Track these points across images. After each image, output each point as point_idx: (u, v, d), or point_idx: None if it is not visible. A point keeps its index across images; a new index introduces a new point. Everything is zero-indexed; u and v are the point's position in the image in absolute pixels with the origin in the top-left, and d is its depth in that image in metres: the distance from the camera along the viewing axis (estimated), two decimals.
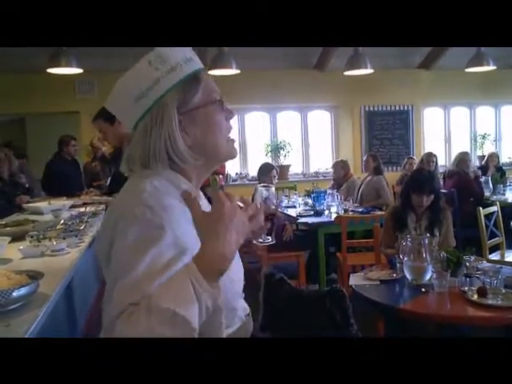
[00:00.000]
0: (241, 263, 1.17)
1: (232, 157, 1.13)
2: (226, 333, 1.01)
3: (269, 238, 1.20)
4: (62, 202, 4.19)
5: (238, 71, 5.74)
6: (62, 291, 2.07)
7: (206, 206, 1.09)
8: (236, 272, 1.09)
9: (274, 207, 1.19)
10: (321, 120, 8.18)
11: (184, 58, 1.05)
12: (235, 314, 1.09)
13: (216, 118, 1.06)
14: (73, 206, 4.11)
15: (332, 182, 6.27)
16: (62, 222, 3.28)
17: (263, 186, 1.23)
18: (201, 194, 1.18)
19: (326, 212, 4.78)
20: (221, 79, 6.57)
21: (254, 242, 1.20)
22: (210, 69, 6.00)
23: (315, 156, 8.17)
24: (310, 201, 5.33)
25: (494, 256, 4.09)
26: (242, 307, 1.14)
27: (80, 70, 5.41)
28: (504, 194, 5.73)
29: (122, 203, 1.00)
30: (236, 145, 1.13)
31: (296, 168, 7.97)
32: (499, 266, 2.68)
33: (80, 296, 3.49)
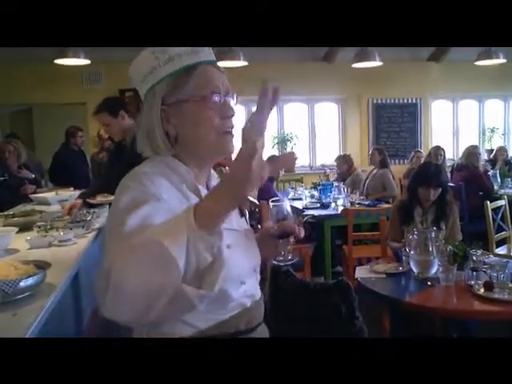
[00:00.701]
0: (253, 254, 1.19)
1: (225, 152, 1.11)
2: (219, 317, 1.06)
3: (290, 256, 1.22)
4: (69, 193, 4.21)
5: (246, 63, 5.72)
6: (68, 282, 2.09)
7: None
8: (239, 259, 1.09)
9: (291, 223, 1.18)
10: (328, 112, 8.15)
11: (187, 51, 1.06)
12: (229, 300, 1.08)
13: (202, 113, 1.06)
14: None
15: (336, 175, 6.26)
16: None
17: (273, 202, 1.23)
18: (212, 172, 1.21)
19: (333, 205, 4.77)
20: (228, 71, 6.55)
21: (274, 261, 1.24)
22: (218, 60, 5.99)
23: (322, 148, 8.14)
24: (316, 193, 5.32)
25: (501, 250, 4.07)
26: (244, 294, 1.13)
27: (87, 61, 5.41)
28: (511, 188, 5.70)
29: (122, 180, 1.05)
30: (234, 140, 1.11)
31: (303, 160, 7.95)
32: (506, 260, 2.66)
33: (86, 286, 3.51)
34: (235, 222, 1.15)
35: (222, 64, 5.96)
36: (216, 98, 1.07)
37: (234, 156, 0.91)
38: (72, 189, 4.60)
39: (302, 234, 1.18)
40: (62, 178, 5.46)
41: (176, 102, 1.06)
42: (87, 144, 6.62)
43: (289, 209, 1.23)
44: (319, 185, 5.32)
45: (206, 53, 1.10)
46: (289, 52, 6.98)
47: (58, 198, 4.00)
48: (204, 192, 1.10)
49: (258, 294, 1.20)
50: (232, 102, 1.11)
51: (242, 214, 1.23)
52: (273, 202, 1.24)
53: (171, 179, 1.06)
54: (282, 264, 1.25)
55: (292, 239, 1.19)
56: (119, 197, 0.98)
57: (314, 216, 4.48)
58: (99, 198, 3.09)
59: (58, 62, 5.24)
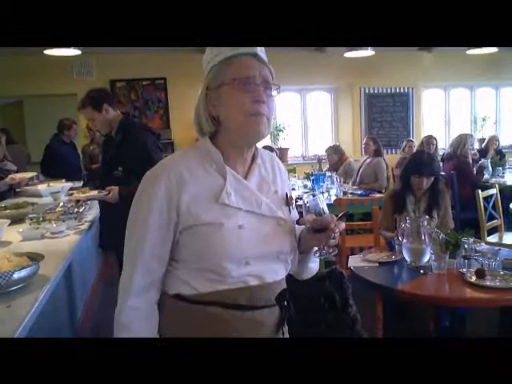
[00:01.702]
0: (274, 240, 1.23)
1: (252, 135, 1.20)
2: (218, 286, 1.16)
3: (330, 250, 1.26)
4: (61, 185, 4.19)
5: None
6: (61, 273, 2.08)
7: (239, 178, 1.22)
8: (248, 240, 1.17)
9: (327, 217, 1.22)
10: (320, 102, 8.14)
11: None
12: (228, 276, 1.16)
13: (234, 95, 1.17)
14: (72, 189, 4.10)
15: (330, 165, 6.26)
16: (62, 204, 3.28)
17: (309, 197, 1.27)
18: (259, 162, 1.30)
19: (326, 194, 4.78)
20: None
21: (315, 255, 1.29)
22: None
23: (315, 138, 8.14)
24: (309, 183, 5.33)
25: (493, 238, 4.10)
26: (248, 273, 1.19)
27: (78, 52, 5.36)
28: (503, 177, 5.73)
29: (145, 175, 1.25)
30: (265, 124, 1.19)
31: (295, 151, 7.95)
32: (497, 248, 2.69)
33: (80, 278, 3.51)
34: (265, 206, 1.23)
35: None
36: (248, 83, 1.17)
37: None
38: (64, 180, 4.58)
39: (341, 227, 1.23)
40: (54, 169, 5.43)
41: (216, 86, 1.20)
42: (78, 136, 6.57)
43: (324, 203, 1.26)
44: (312, 175, 5.33)
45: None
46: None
47: (50, 190, 3.99)
48: (234, 177, 1.21)
49: (271, 277, 1.23)
50: (267, 91, 1.19)
51: (287, 203, 1.30)
52: (308, 197, 1.27)
53: (201, 161, 1.22)
54: (320, 257, 1.29)
55: (330, 233, 1.21)
56: (135, 203, 1.22)
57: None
58: (76, 195, 3.06)
59: (48, 52, 5.19)
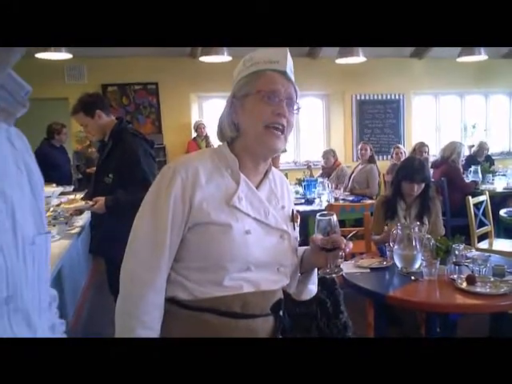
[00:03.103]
0: (276, 252, 1.26)
1: (268, 146, 1.25)
2: (214, 292, 1.18)
3: (336, 269, 1.28)
4: (52, 189, 4.16)
5: (230, 58, 5.70)
6: (51, 279, 2.06)
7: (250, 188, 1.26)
8: (252, 247, 1.20)
9: (338, 237, 1.25)
10: (312, 108, 8.17)
11: (265, 59, 1.27)
12: (225, 276, 1.18)
13: (256, 105, 1.23)
14: (62, 194, 4.08)
15: (321, 171, 6.28)
16: (52, 209, 3.25)
17: (322, 215, 1.29)
18: (270, 177, 1.34)
19: (317, 200, 4.79)
20: (212, 66, 6.54)
21: (320, 273, 1.32)
22: (202, 55, 5.96)
23: (306, 144, 8.16)
24: (300, 189, 5.33)
25: (483, 244, 4.13)
26: (246, 279, 1.21)
27: (69, 56, 5.34)
28: (493, 183, 5.78)
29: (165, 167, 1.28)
30: (281, 139, 1.24)
31: (287, 156, 7.96)
32: (488, 254, 2.70)
33: (70, 284, 3.48)
34: (272, 217, 1.26)
35: (206, 59, 5.94)
36: (272, 96, 1.23)
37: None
38: (54, 185, 4.54)
39: (350, 248, 1.26)
40: (44, 174, 5.35)
41: (242, 95, 1.27)
42: (69, 140, 6.54)
43: (336, 222, 1.28)
44: (303, 181, 5.34)
45: (281, 64, 1.27)
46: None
47: None
48: (246, 184, 1.25)
49: (267, 286, 1.24)
50: (289, 107, 1.25)
51: (292, 219, 1.34)
52: (321, 215, 1.30)
53: (218, 164, 1.26)
54: (327, 276, 1.31)
55: (340, 252, 1.24)
56: (150, 191, 1.25)
57: (298, 212, 4.49)
58: (63, 206, 3.05)
59: (40, 56, 5.16)
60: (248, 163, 1.28)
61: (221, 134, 1.33)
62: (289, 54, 1.28)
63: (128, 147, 2.73)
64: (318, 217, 1.30)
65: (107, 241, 2.68)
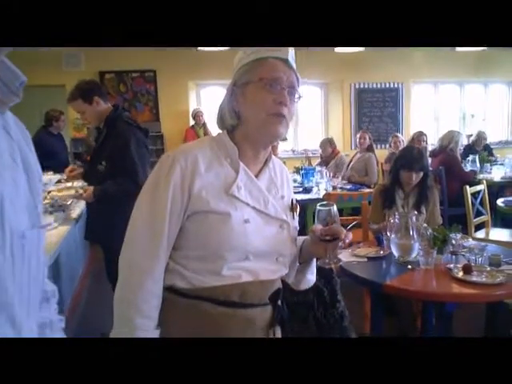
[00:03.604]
0: (274, 242, 1.26)
1: (271, 134, 1.24)
2: (212, 282, 1.18)
3: (335, 259, 1.29)
4: (49, 177, 4.15)
5: (228, 48, 5.67)
6: (48, 267, 2.06)
7: (250, 176, 1.25)
8: (251, 236, 1.20)
9: (338, 227, 1.25)
10: (311, 97, 8.14)
11: (267, 48, 1.24)
12: (224, 264, 1.18)
13: (258, 93, 1.22)
14: (59, 181, 4.07)
15: (319, 159, 6.27)
16: (49, 196, 3.25)
17: (322, 206, 1.29)
18: (270, 166, 1.33)
19: (315, 189, 4.79)
20: (210, 54, 6.49)
21: (319, 263, 1.33)
22: (201, 45, 5.93)
23: (305, 133, 8.14)
24: (298, 178, 5.33)
25: (480, 234, 4.14)
26: (244, 268, 1.21)
27: None
28: (491, 173, 5.79)
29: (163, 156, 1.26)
30: (283, 127, 1.24)
31: (285, 145, 7.94)
32: (484, 243, 2.72)
33: (67, 270, 3.49)
34: (271, 207, 1.26)
35: (204, 49, 5.90)
36: (274, 84, 1.21)
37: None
38: (51, 173, 4.53)
39: (349, 238, 1.26)
40: (42, 161, 5.34)
41: (243, 83, 1.25)
42: (67, 127, 6.51)
43: (336, 213, 1.28)
44: (302, 169, 5.33)
45: (283, 51, 1.26)
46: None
47: None
48: (246, 172, 1.24)
49: (266, 276, 1.24)
50: (291, 95, 1.24)
51: (292, 209, 1.33)
52: (321, 205, 1.29)
53: (217, 153, 1.25)
54: (326, 266, 1.31)
55: (339, 243, 1.25)
56: (148, 179, 1.24)
57: (296, 200, 4.50)
58: (52, 193, 3.04)
59: None
60: (248, 152, 1.27)
61: (221, 122, 1.32)
62: None
63: (120, 136, 2.72)
64: (318, 207, 1.30)
65: (103, 228, 2.68)
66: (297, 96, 1.27)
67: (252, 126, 1.24)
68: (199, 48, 6.04)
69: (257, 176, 1.28)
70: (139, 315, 1.15)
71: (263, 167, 1.31)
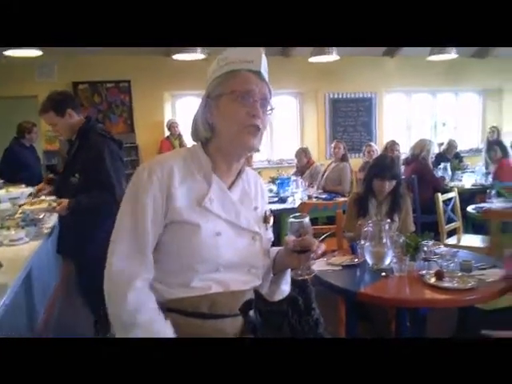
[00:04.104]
0: (246, 254, 1.27)
1: (244, 146, 1.25)
2: (181, 294, 1.18)
3: (308, 270, 1.29)
4: (21, 190, 4.08)
5: (204, 56, 5.69)
6: (20, 281, 2.03)
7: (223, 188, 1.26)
8: (222, 248, 1.21)
9: (311, 239, 1.26)
10: (286, 107, 8.20)
11: (240, 59, 1.26)
12: (194, 276, 1.19)
13: (231, 106, 1.23)
14: (31, 195, 3.99)
15: (295, 169, 6.32)
16: (21, 210, 3.19)
17: (294, 217, 1.29)
18: (244, 177, 1.34)
19: (290, 199, 4.82)
20: (186, 64, 6.47)
21: (292, 274, 1.34)
22: (175, 53, 5.92)
23: (280, 143, 8.19)
24: (274, 188, 5.35)
25: (451, 240, 4.22)
26: (215, 280, 1.22)
27: (39, 52, 5.23)
28: (461, 180, 5.91)
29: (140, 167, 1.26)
30: (256, 139, 1.25)
31: (260, 155, 7.97)
32: (456, 249, 2.77)
33: (39, 283, 3.42)
34: (244, 219, 1.26)
35: (179, 57, 5.90)
36: (247, 97, 1.22)
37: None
38: (23, 186, 4.45)
39: (322, 249, 1.26)
40: (14, 174, 5.26)
41: (216, 95, 1.25)
42: (39, 139, 6.41)
43: (309, 224, 1.29)
44: (277, 179, 5.36)
45: (256, 63, 1.27)
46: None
47: (8, 196, 3.87)
48: (219, 185, 1.25)
49: (236, 287, 1.25)
50: (263, 108, 1.25)
51: (265, 221, 1.35)
52: (293, 217, 1.30)
53: (191, 165, 1.25)
54: (299, 278, 1.32)
55: (312, 255, 1.25)
56: (127, 192, 1.24)
57: (271, 210, 4.51)
58: (25, 207, 2.99)
59: (9, 53, 5.04)
60: (221, 164, 1.28)
61: (195, 134, 1.32)
62: (263, 53, 1.29)
63: (94, 148, 2.66)
64: (290, 219, 1.31)
65: (75, 241, 2.64)
66: (269, 108, 1.28)
67: (225, 139, 1.25)
68: (174, 57, 6.03)
69: (230, 188, 1.29)
70: (144, 331, 1.14)
71: (237, 179, 1.33)
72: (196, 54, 5.67)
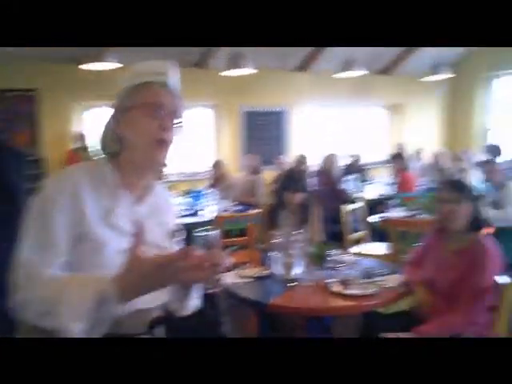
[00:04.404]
0: None
1: (154, 160, 1.24)
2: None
3: (217, 284, 1.28)
4: None
5: (114, 66, 5.56)
6: None
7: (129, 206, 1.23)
8: None
9: (217, 253, 1.24)
10: (200, 119, 8.19)
11: (150, 71, 1.25)
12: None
13: (141, 119, 1.21)
14: None
15: (209, 182, 6.33)
16: None
17: (201, 231, 1.27)
18: (153, 192, 1.32)
19: (204, 212, 4.82)
20: (95, 74, 6.26)
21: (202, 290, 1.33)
22: (84, 62, 5.76)
23: (193, 155, 8.16)
24: (187, 201, 5.32)
25: (356, 249, 4.43)
26: None
27: None
28: (367, 192, 6.25)
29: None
30: (166, 154, 1.25)
31: (174, 168, 7.88)
32: (360, 258, 2.93)
33: None
34: (151, 234, 1.21)
35: (88, 66, 5.73)
36: (157, 110, 1.21)
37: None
38: None
39: (229, 262, 1.24)
40: None
41: (125, 107, 1.23)
42: None
43: (215, 237, 1.28)
44: (190, 192, 5.34)
45: (167, 76, 1.26)
46: (160, 57, 6.88)
47: None
48: (126, 200, 1.22)
49: (144, 305, 1.21)
50: (174, 120, 1.25)
51: (172, 237, 1.33)
52: (200, 231, 1.27)
53: (97, 179, 1.21)
54: (207, 292, 1.32)
55: (218, 268, 1.23)
56: (33, 207, 1.16)
57: (183, 224, 4.47)
58: None
59: None
60: (130, 178, 1.26)
61: (103, 147, 1.29)
62: (175, 65, 1.28)
63: None
64: (196, 233, 1.31)
65: None
66: (180, 121, 1.28)
67: (135, 152, 1.23)
68: (81, 67, 5.85)
69: (138, 202, 1.27)
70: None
71: (145, 193, 1.30)
72: (105, 64, 5.53)
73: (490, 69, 8.93)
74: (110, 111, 1.28)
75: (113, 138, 1.25)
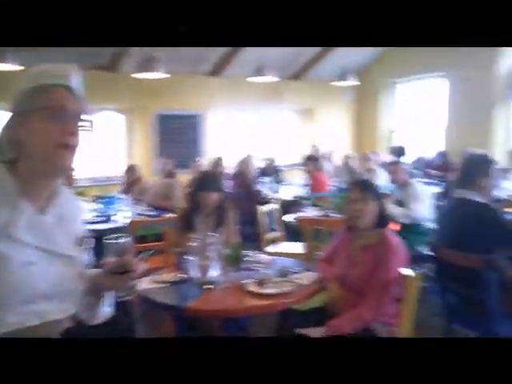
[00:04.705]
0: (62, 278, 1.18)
1: (57, 165, 1.17)
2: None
3: (129, 291, 1.28)
4: None
5: (21, 67, 5.26)
6: None
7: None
8: (37, 278, 1.12)
9: (129, 259, 1.23)
10: (113, 122, 7.96)
11: (51, 73, 1.19)
12: (7, 310, 1.09)
13: (42, 123, 1.14)
14: None
15: (122, 186, 6.16)
16: None
17: (111, 238, 1.25)
18: (59, 199, 1.24)
19: (116, 217, 4.66)
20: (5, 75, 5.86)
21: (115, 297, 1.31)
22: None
23: (106, 159, 7.90)
24: (98, 206, 5.12)
25: (273, 249, 4.51)
26: (30, 312, 1.12)
27: None
28: (282, 193, 6.41)
29: None
30: (72, 157, 1.19)
31: (85, 172, 7.57)
32: (276, 257, 2.98)
33: None
34: (59, 243, 1.17)
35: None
36: (59, 114, 1.14)
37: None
38: None
39: (142, 269, 1.23)
40: None
41: (24, 111, 1.15)
42: None
43: (127, 244, 1.25)
44: (102, 197, 5.15)
45: (69, 79, 1.20)
46: (72, 59, 6.58)
47: None
48: (28, 210, 1.14)
49: (54, 317, 1.17)
50: (78, 124, 1.18)
51: (81, 244, 1.27)
52: (110, 238, 1.25)
53: None
54: (121, 299, 1.29)
55: (131, 274, 1.22)
56: None
57: (94, 230, 4.30)
58: None
59: None
60: (32, 186, 1.18)
61: (0, 154, 1.19)
62: (76, 68, 1.23)
63: None
64: (107, 240, 1.27)
65: None
66: (85, 124, 1.21)
67: (36, 159, 1.15)
68: None
69: (43, 211, 1.20)
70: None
71: (50, 201, 1.23)
72: (4, 65, 5.20)
73: (393, 75, 9.50)
74: (8, 115, 1.20)
75: (9, 144, 1.16)
